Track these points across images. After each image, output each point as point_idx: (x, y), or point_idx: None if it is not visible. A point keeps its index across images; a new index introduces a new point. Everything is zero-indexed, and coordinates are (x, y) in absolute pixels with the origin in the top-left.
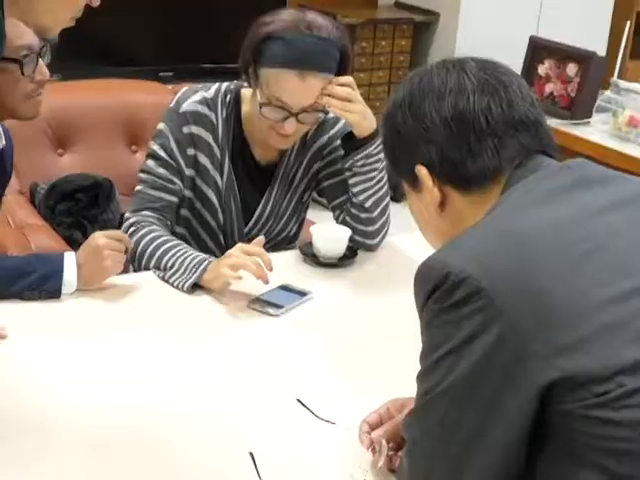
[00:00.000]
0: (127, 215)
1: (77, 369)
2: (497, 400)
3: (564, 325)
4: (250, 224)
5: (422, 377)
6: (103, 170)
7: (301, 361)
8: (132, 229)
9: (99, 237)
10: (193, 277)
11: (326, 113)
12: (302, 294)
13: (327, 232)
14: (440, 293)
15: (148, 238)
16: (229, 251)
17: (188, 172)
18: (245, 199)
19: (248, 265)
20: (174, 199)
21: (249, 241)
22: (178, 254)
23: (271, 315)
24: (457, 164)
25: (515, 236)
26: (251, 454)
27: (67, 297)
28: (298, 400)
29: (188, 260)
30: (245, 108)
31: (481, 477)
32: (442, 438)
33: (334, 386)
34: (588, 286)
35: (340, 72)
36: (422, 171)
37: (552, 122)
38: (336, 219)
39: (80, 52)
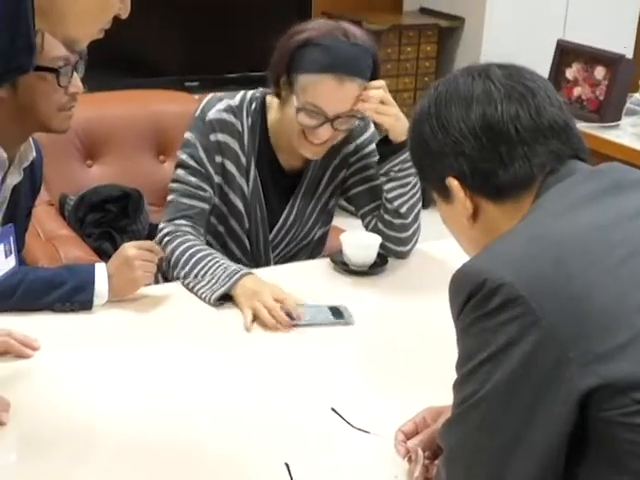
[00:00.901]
0: (161, 225)
1: (109, 379)
2: (535, 407)
3: (602, 331)
4: (275, 230)
5: (459, 386)
6: (131, 181)
7: (335, 370)
8: (167, 239)
9: (129, 248)
10: (221, 289)
11: (361, 119)
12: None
13: (357, 240)
14: (476, 301)
15: (182, 248)
16: (261, 295)
17: (217, 179)
18: (270, 205)
19: (265, 317)
20: (206, 206)
21: (274, 248)
22: (210, 264)
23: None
24: (489, 175)
25: (550, 242)
26: (286, 464)
27: (97, 308)
28: (333, 409)
29: (220, 271)
30: (271, 115)
31: None
32: (480, 446)
33: (369, 395)
34: (625, 291)
35: (372, 79)
36: (453, 183)
37: (580, 125)
38: (365, 227)
39: (106, 63)
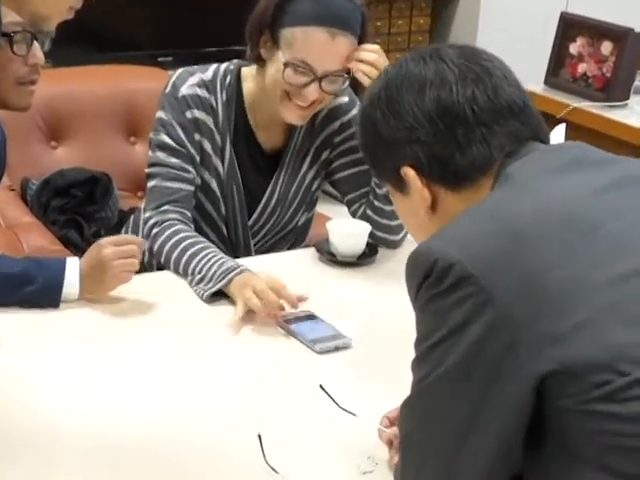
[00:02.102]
0: (147, 215)
1: (84, 376)
2: (489, 391)
3: (559, 310)
4: (255, 215)
5: (415, 366)
6: (100, 163)
7: (324, 359)
8: (155, 231)
9: (105, 246)
10: (216, 287)
11: (348, 78)
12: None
13: (345, 228)
14: (430, 281)
15: (173, 241)
16: (254, 282)
17: (198, 158)
18: (249, 188)
19: (254, 304)
20: (191, 188)
21: (254, 235)
22: (204, 260)
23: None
24: (446, 160)
25: (504, 219)
26: (259, 436)
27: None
28: (321, 386)
29: (215, 267)
30: (247, 88)
31: (472, 473)
32: (432, 429)
33: (356, 384)
34: (584, 268)
35: (360, 39)
36: (409, 172)
37: (585, 105)
38: (352, 214)
39: (72, 36)
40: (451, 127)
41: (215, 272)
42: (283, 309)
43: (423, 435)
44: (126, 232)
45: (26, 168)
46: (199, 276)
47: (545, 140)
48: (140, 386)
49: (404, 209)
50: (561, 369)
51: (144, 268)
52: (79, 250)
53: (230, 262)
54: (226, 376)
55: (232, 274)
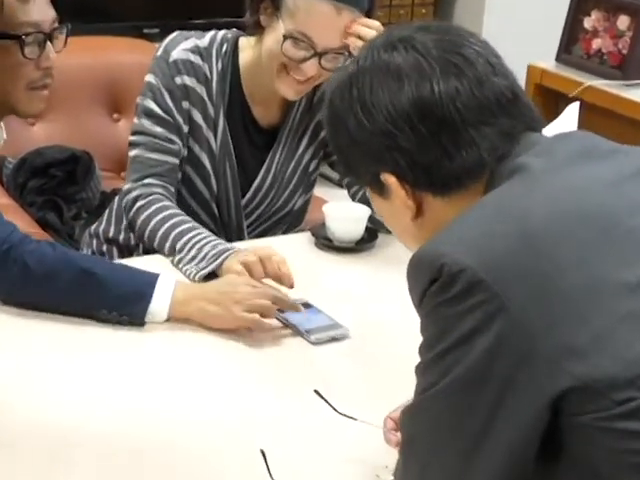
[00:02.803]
0: (128, 186)
1: (81, 372)
2: (498, 409)
3: (576, 319)
4: (248, 195)
5: (420, 373)
6: (80, 141)
7: (318, 354)
8: (139, 204)
9: (242, 285)
10: (209, 267)
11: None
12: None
13: (343, 212)
14: (436, 287)
15: (161, 217)
16: (243, 252)
17: (185, 129)
18: (243, 165)
19: (257, 266)
20: (176, 161)
21: (248, 215)
22: (196, 239)
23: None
24: (431, 168)
25: (515, 216)
26: (262, 452)
27: None
28: (316, 392)
29: (208, 247)
30: (244, 59)
31: None
32: (437, 445)
33: (354, 380)
34: (604, 269)
35: (367, 16)
36: (390, 179)
37: (600, 83)
38: (352, 196)
39: (53, 6)
40: (435, 132)
41: (208, 252)
42: (278, 281)
43: (427, 446)
44: (109, 216)
45: (1, 146)
46: (190, 254)
47: (539, 128)
48: (120, 396)
49: (386, 213)
50: (580, 386)
51: (120, 248)
52: (58, 234)
53: (224, 244)
54: (216, 376)
55: (227, 253)
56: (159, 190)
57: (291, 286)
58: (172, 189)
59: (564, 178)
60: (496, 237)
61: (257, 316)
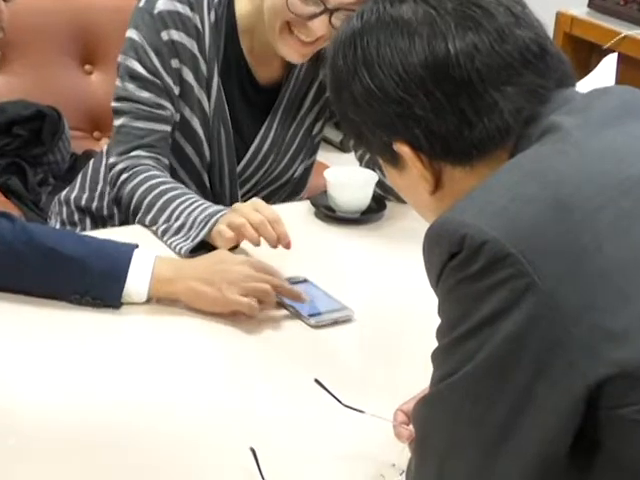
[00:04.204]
0: (113, 160)
1: (50, 362)
2: (527, 398)
3: (617, 298)
4: (244, 161)
5: (438, 359)
6: (48, 96)
7: (319, 341)
8: (124, 176)
9: (242, 261)
10: (198, 237)
11: None
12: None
13: (347, 177)
14: (457, 262)
15: (146, 186)
16: (236, 205)
17: (176, 90)
18: (239, 128)
19: (246, 228)
20: (168, 128)
21: (242, 185)
22: (184, 205)
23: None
24: (450, 137)
25: (548, 183)
26: (252, 450)
27: None
28: (316, 381)
29: (196, 212)
30: (241, 9)
31: None
32: (456, 440)
33: (360, 368)
34: None
35: None
36: (404, 149)
37: (639, 32)
38: (359, 159)
39: None
40: (452, 97)
41: (196, 218)
42: (275, 245)
43: (445, 443)
44: (82, 181)
45: None
46: (177, 224)
47: (573, 84)
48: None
49: (402, 185)
50: (621, 373)
51: (94, 218)
52: (22, 201)
53: (215, 207)
54: (203, 365)
55: (217, 216)
56: (148, 162)
57: (287, 246)
58: (165, 160)
59: (602, 138)
60: (525, 204)
61: (254, 301)
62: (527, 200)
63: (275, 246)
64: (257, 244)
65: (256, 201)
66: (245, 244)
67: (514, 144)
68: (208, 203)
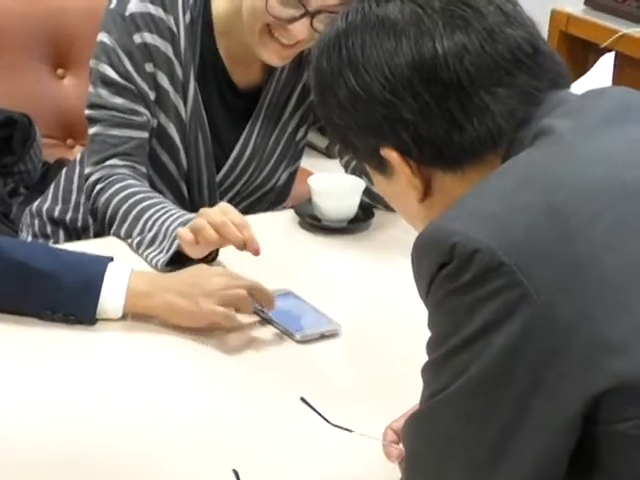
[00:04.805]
0: (88, 170)
1: (20, 382)
2: (523, 412)
3: (616, 308)
4: (224, 170)
5: (428, 374)
6: (18, 102)
7: (303, 357)
8: (99, 187)
9: (217, 274)
10: (172, 248)
11: None
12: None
13: (333, 185)
14: (447, 272)
15: (121, 196)
16: (202, 209)
17: (152, 95)
18: (218, 135)
19: (205, 229)
20: (145, 135)
21: (222, 195)
22: (157, 214)
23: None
24: (439, 141)
25: (541, 189)
26: (235, 472)
27: None
28: (302, 399)
29: (168, 222)
30: (217, 8)
31: None
32: (448, 459)
33: (347, 385)
34: None
35: None
36: (391, 155)
37: (637, 31)
38: (345, 166)
39: None
40: (441, 98)
41: (168, 227)
42: (242, 248)
43: (436, 462)
44: (55, 192)
45: None
46: (150, 235)
47: (567, 84)
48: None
49: (390, 193)
50: (620, 386)
51: (67, 230)
52: None
53: (189, 215)
54: (182, 383)
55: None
56: (124, 171)
57: (255, 252)
58: (142, 169)
59: (597, 142)
60: (518, 211)
61: (230, 311)
62: (520, 207)
63: (241, 249)
64: (219, 245)
65: (223, 205)
66: (224, 257)
67: (506, 148)
68: (183, 212)
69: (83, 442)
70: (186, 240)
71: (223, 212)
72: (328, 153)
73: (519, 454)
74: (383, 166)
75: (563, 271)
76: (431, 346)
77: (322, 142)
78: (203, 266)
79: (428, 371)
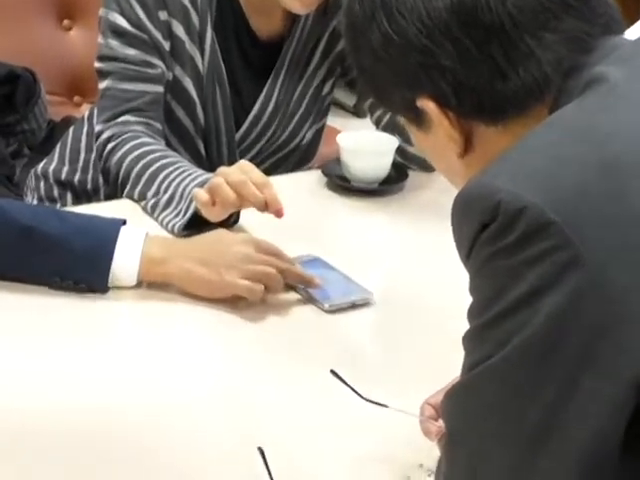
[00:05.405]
0: (99, 128)
1: (29, 355)
2: (572, 389)
3: None
4: (244, 127)
5: (470, 343)
6: (21, 56)
7: (334, 329)
8: (110, 146)
9: (246, 240)
10: (190, 210)
11: None
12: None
13: (363, 142)
14: (491, 232)
15: (134, 156)
16: (221, 168)
17: (167, 45)
18: (237, 89)
19: (222, 188)
20: (159, 89)
21: (242, 154)
22: (174, 173)
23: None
24: (481, 90)
25: (594, 142)
26: (260, 450)
27: None
28: (332, 372)
29: (186, 181)
30: None
31: None
32: (492, 435)
33: (381, 357)
34: None
35: None
36: (429, 106)
37: None
38: (375, 123)
39: None
40: (483, 45)
41: (186, 188)
42: (264, 209)
43: (479, 440)
44: (62, 152)
45: None
46: (166, 197)
47: (620, 30)
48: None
49: (427, 147)
50: None
51: (76, 193)
52: None
53: (208, 175)
54: (202, 357)
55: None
56: (138, 128)
57: (278, 213)
58: (157, 125)
59: None
60: (568, 166)
61: (259, 286)
62: (570, 161)
63: (263, 210)
64: (238, 206)
65: (243, 163)
66: (246, 221)
67: (554, 99)
68: (201, 171)
69: (95, 419)
70: (202, 201)
71: (243, 171)
72: (357, 111)
73: (570, 430)
74: (420, 119)
75: (617, 231)
76: (472, 313)
77: (350, 99)
78: (223, 231)
79: (469, 340)
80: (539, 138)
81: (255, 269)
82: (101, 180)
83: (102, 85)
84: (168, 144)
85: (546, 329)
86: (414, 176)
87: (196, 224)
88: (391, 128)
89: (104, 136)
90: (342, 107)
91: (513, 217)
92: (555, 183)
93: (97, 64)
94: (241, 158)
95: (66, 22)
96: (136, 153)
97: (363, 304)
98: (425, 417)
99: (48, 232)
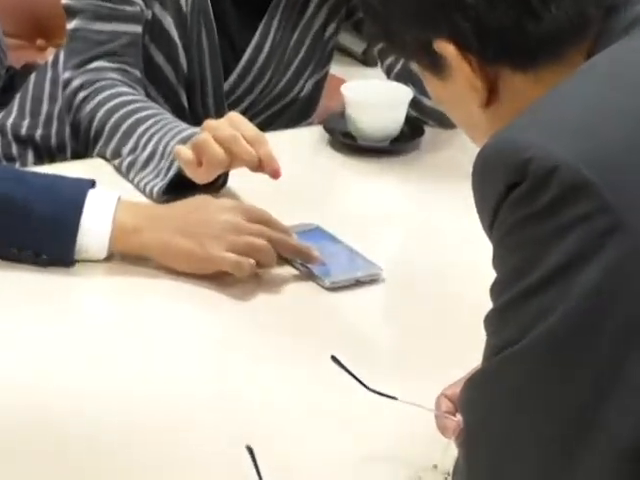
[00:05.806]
0: (68, 75)
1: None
2: (615, 371)
3: None
4: (234, 76)
5: (493, 325)
6: None
7: (336, 305)
8: (81, 95)
9: (232, 206)
10: (171, 171)
11: None
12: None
13: (372, 94)
14: (518, 195)
15: (108, 107)
16: (208, 121)
17: None
18: (226, 31)
19: (208, 143)
20: (136, 28)
21: (232, 107)
22: (154, 128)
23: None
24: (507, 33)
25: (637, 88)
26: (249, 448)
27: None
28: (334, 358)
29: (168, 137)
30: None
31: None
32: (517, 431)
33: (389, 342)
34: None
35: None
36: (448, 50)
37: None
38: (386, 72)
39: None
40: None
41: (167, 144)
42: (257, 168)
43: (504, 437)
44: (22, 103)
45: None
46: (145, 154)
47: None
48: (45, 372)
49: (445, 98)
50: None
51: (37, 150)
52: None
53: (193, 129)
54: (184, 340)
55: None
56: (113, 75)
57: (275, 174)
58: (135, 72)
59: None
60: (606, 118)
61: (248, 260)
62: (609, 113)
63: (256, 170)
64: (227, 166)
65: (233, 115)
66: (235, 185)
67: (592, 41)
68: (186, 125)
69: (63, 411)
70: (186, 160)
71: (233, 124)
72: (365, 59)
73: (612, 423)
74: (437, 64)
75: None
76: (496, 290)
77: (358, 45)
78: (209, 198)
79: (494, 320)
80: (574, 87)
81: (244, 240)
82: (68, 135)
83: (70, 25)
84: (148, 95)
85: (584, 306)
86: (430, 133)
87: (178, 187)
88: (404, 77)
89: (74, 84)
90: (348, 54)
91: (545, 177)
92: (592, 139)
93: (64, 1)
94: (229, 112)
95: None
96: (111, 104)
97: (370, 281)
98: (441, 411)
99: (3, 195)
